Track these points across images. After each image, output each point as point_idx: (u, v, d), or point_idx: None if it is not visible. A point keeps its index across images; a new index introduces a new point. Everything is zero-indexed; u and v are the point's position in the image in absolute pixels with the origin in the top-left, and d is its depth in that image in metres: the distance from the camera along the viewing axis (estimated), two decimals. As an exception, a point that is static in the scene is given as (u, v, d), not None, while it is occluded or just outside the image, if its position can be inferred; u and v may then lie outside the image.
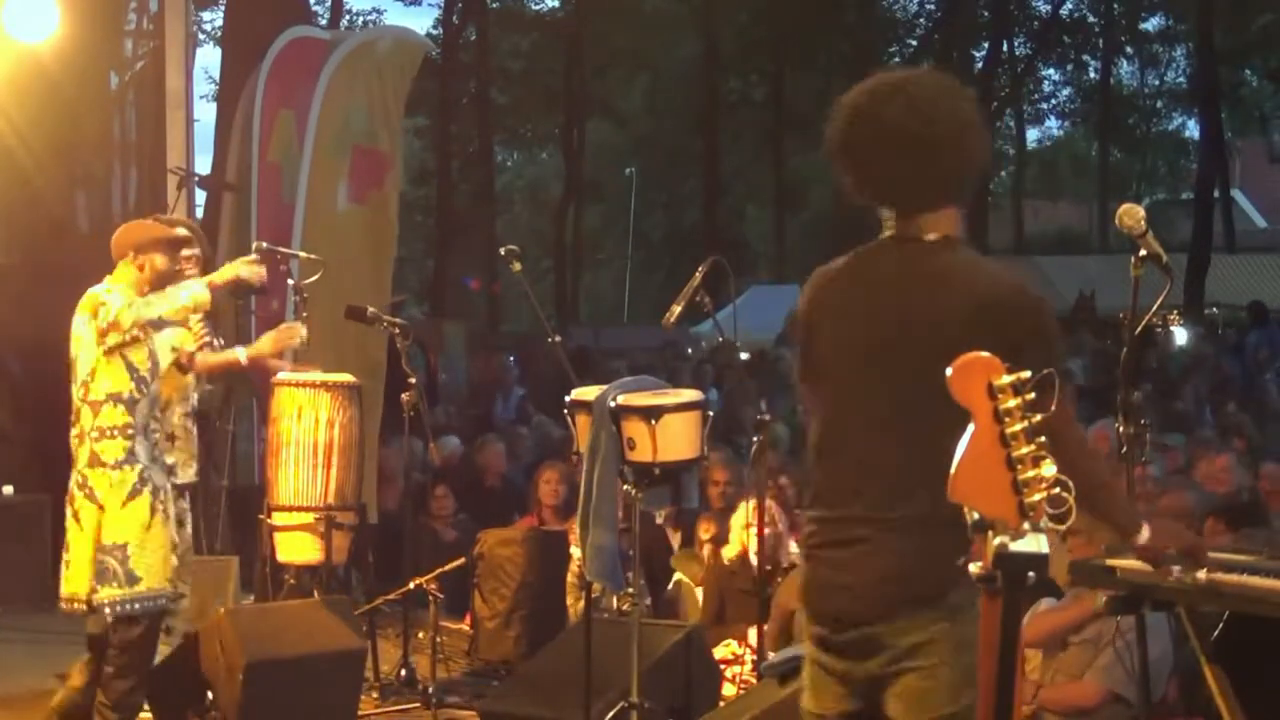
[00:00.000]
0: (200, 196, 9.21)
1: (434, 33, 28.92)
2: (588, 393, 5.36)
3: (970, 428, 2.20)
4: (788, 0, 26.99)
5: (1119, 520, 3.14)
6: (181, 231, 5.73)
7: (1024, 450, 2.16)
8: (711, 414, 5.38)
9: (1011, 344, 2.55)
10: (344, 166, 8.96)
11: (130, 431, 5.19)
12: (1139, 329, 3.91)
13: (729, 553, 6.93)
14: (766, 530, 6.21)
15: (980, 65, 32.21)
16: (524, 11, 33.17)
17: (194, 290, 5.24)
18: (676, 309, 5.82)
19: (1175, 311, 22.61)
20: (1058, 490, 2.17)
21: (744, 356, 15.48)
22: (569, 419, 5.43)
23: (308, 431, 6.41)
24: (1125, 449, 3.79)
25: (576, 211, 32.10)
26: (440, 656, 6.59)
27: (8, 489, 8.51)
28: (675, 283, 8.92)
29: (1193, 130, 37.37)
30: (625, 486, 5.26)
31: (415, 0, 32.01)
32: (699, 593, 7.21)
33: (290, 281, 6.88)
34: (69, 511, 5.27)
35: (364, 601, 6.88)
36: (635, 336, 23.42)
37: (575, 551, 6.90)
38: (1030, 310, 2.91)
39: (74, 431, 5.28)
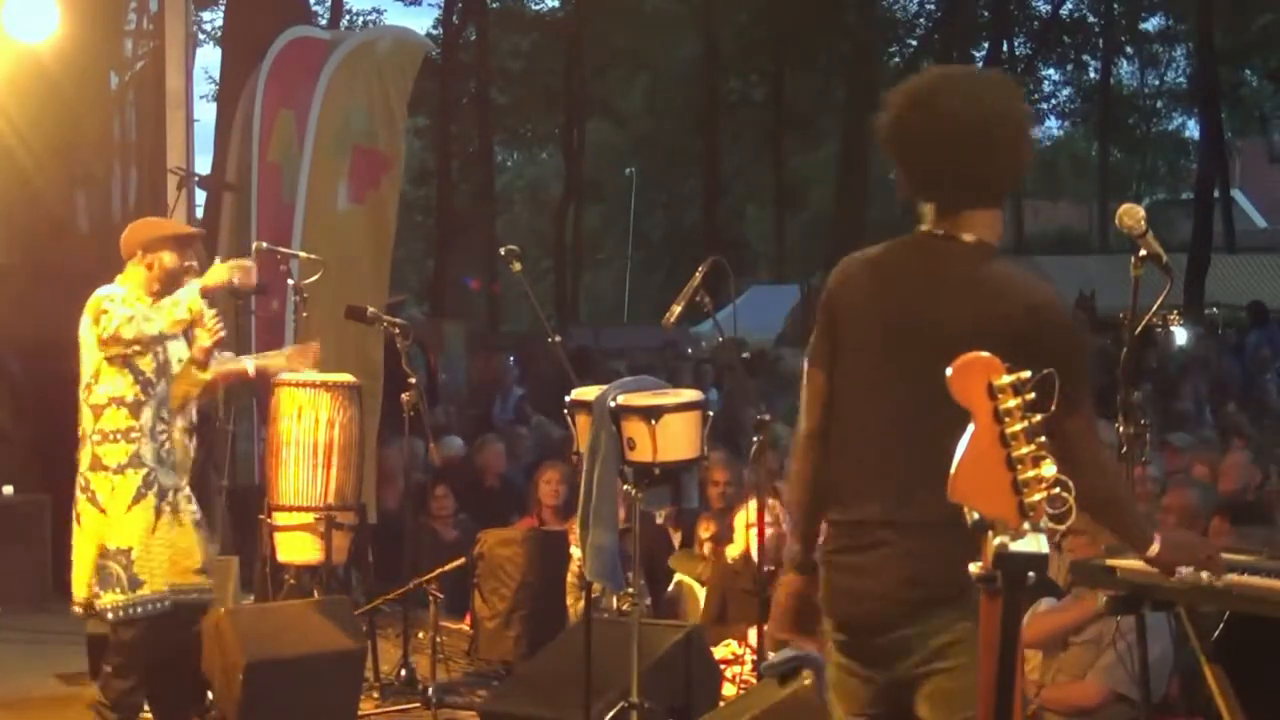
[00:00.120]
0: (200, 196, 9.21)
1: (434, 33, 28.92)
2: (588, 393, 5.36)
3: (970, 428, 2.20)
4: (788, 0, 26.97)
5: (1130, 537, 3.15)
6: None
7: (1024, 450, 2.16)
8: (711, 414, 5.38)
9: (1039, 360, 2.55)
10: (344, 166, 8.96)
11: (134, 435, 5.17)
12: (1139, 329, 3.90)
13: (733, 552, 6.93)
14: (769, 529, 6.21)
15: (980, 65, 32.20)
16: (524, 11, 33.17)
17: (189, 300, 5.21)
18: (676, 309, 5.82)
19: (1175, 311, 22.62)
20: (1058, 490, 2.16)
21: (745, 356, 15.50)
22: (569, 419, 5.43)
23: (308, 431, 6.41)
24: (1125, 449, 3.79)
25: (576, 211, 32.10)
26: (440, 656, 6.58)
27: (8, 489, 8.51)
28: (675, 283, 8.93)
29: (1193, 130, 37.42)
30: (625, 486, 5.26)
31: (415, 0, 32.03)
32: (700, 592, 7.20)
33: (290, 281, 6.89)
34: (74, 513, 5.27)
35: (364, 601, 6.88)
36: (635, 336, 23.44)
37: (575, 551, 6.90)
38: (1063, 328, 2.90)
39: (79, 432, 5.28)
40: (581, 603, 5.98)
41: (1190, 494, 5.84)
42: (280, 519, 6.49)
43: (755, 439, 5.84)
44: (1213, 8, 26.37)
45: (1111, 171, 37.66)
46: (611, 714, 5.18)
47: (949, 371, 2.22)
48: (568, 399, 5.45)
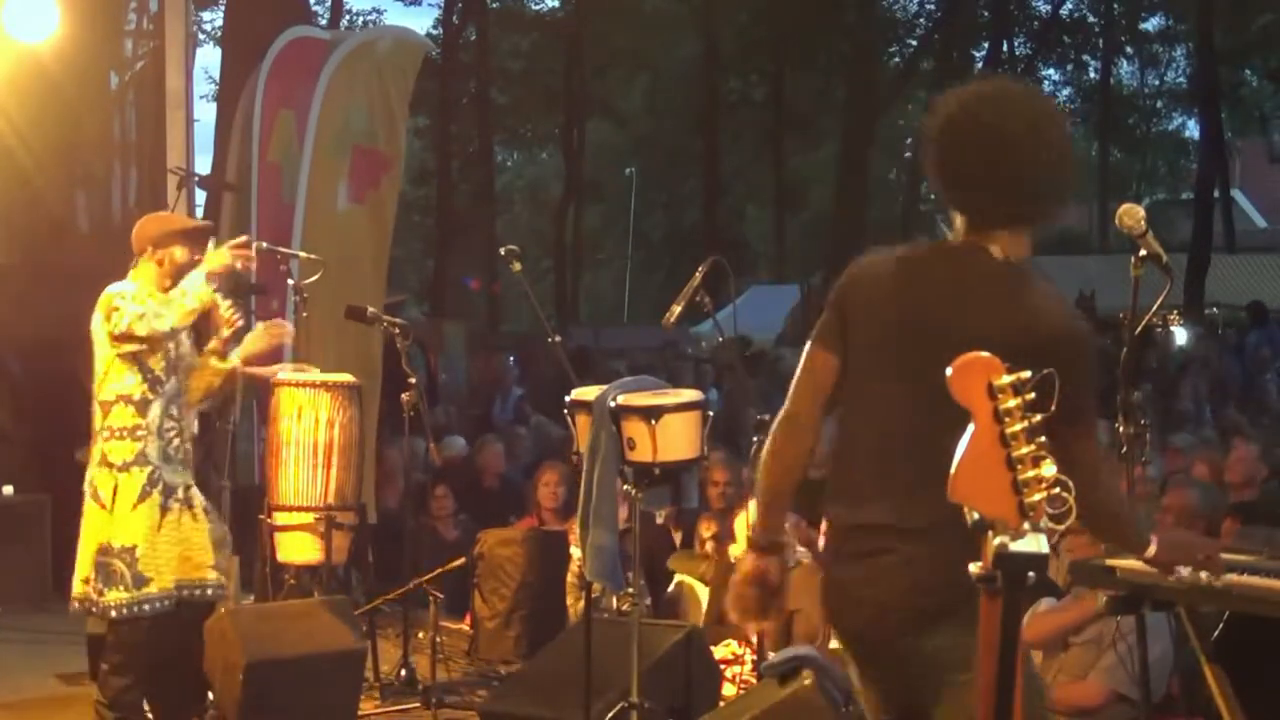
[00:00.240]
0: (200, 196, 9.21)
1: (434, 33, 28.91)
2: (588, 393, 5.36)
3: (970, 428, 2.20)
4: (788, 0, 26.96)
5: (1128, 545, 3.17)
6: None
7: (1024, 450, 2.15)
8: (711, 414, 5.38)
9: (1068, 379, 2.52)
10: (344, 166, 8.96)
11: (140, 433, 5.17)
12: (1139, 329, 3.90)
13: (736, 551, 6.92)
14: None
15: (980, 65, 32.20)
16: (524, 11, 33.16)
17: (196, 291, 5.22)
18: (676, 309, 5.82)
19: (1175, 311, 22.61)
20: (1058, 490, 2.16)
21: (749, 353, 15.52)
22: (569, 419, 5.42)
23: (308, 431, 6.41)
24: (1125, 449, 3.79)
25: (576, 211, 32.09)
26: (440, 656, 6.58)
27: (8, 489, 8.52)
28: (675, 283, 8.93)
29: (1193, 130, 37.41)
30: (625, 486, 5.26)
31: (415, 0, 32.03)
32: (700, 592, 7.20)
33: (290, 281, 6.88)
34: (83, 511, 5.26)
35: (364, 601, 6.88)
36: (635, 336, 23.45)
37: (575, 551, 6.90)
38: (1086, 351, 2.90)
39: (91, 429, 5.28)
40: (581, 603, 5.98)
41: (1190, 494, 5.83)
42: (280, 519, 6.49)
43: (755, 439, 5.84)
44: (1213, 8, 26.36)
45: (1111, 171, 37.64)
46: (611, 714, 5.18)
47: (949, 371, 2.22)
48: (568, 399, 5.45)
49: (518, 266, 6.47)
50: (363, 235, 9.04)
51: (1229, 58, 30.23)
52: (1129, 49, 36.93)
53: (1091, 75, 35.87)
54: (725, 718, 5.27)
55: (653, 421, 5.07)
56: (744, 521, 6.84)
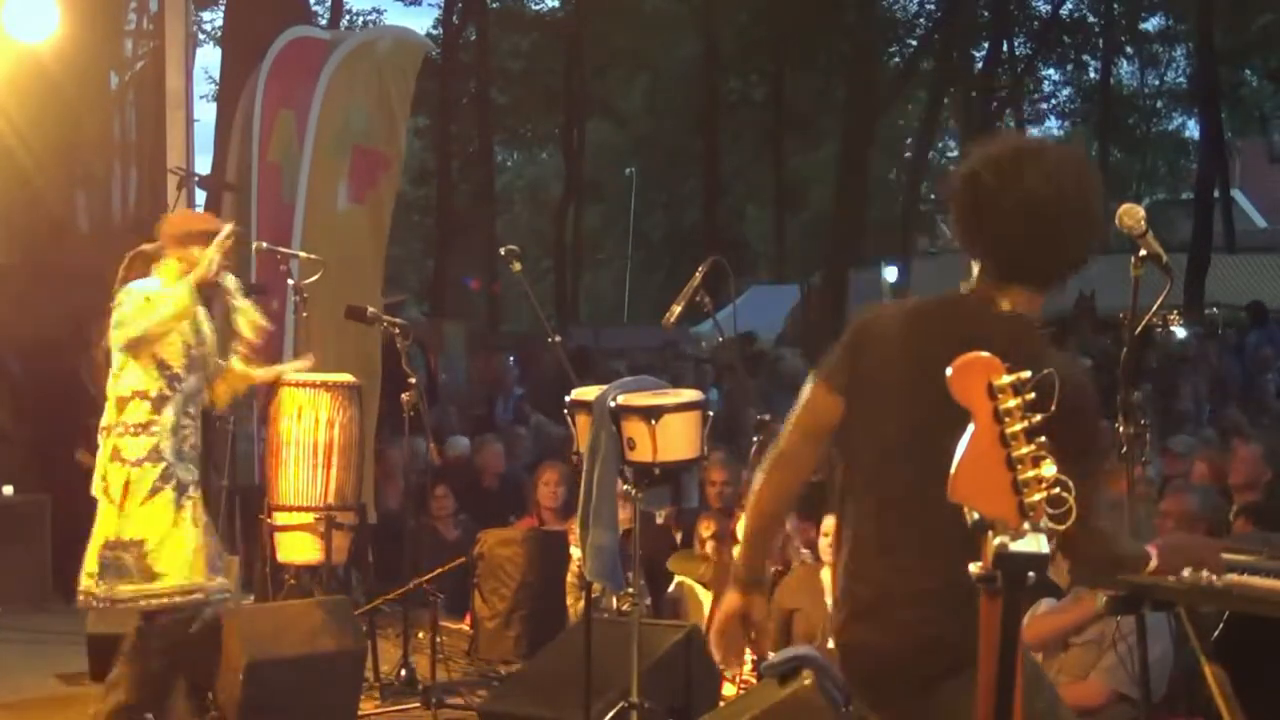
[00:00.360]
0: (200, 196, 9.21)
1: (434, 33, 28.89)
2: (588, 393, 5.36)
3: (970, 428, 2.20)
4: (788, 0, 26.96)
5: (1131, 570, 3.18)
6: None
7: (1024, 450, 2.16)
8: (711, 414, 5.38)
9: (1074, 433, 2.55)
10: (344, 166, 8.96)
11: (154, 429, 5.15)
12: (1139, 329, 3.90)
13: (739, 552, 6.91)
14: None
15: (980, 65, 32.21)
16: (524, 11, 33.14)
17: (176, 296, 5.20)
18: (676, 309, 5.82)
19: (1175, 311, 22.61)
20: (1057, 490, 2.16)
21: (756, 350, 15.52)
22: (569, 419, 5.43)
23: (308, 431, 6.41)
24: (1125, 449, 3.79)
25: (576, 211, 32.09)
26: (440, 656, 6.59)
27: (8, 489, 8.52)
28: (675, 283, 8.93)
29: (1193, 130, 37.39)
30: (625, 486, 5.26)
31: (415, 0, 32.02)
32: (700, 593, 7.20)
33: (290, 281, 6.88)
34: (99, 503, 5.24)
35: (364, 601, 6.88)
36: (635, 336, 23.44)
37: (575, 551, 6.90)
38: (1094, 410, 2.89)
39: (101, 423, 5.26)
40: (581, 603, 5.98)
41: (1189, 499, 5.84)
42: (280, 519, 6.50)
43: (755, 439, 5.84)
44: (1213, 8, 26.35)
45: (1111, 171, 37.59)
46: (611, 714, 5.19)
47: (948, 372, 2.22)
48: (568, 399, 5.45)
49: (518, 266, 6.46)
50: (363, 235, 9.05)
51: (1229, 58, 30.22)
52: (1129, 49, 36.91)
53: (1091, 75, 35.87)
54: (725, 718, 5.27)
55: (653, 421, 5.07)
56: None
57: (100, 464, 5.23)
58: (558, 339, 6.46)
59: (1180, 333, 20.78)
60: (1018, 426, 2.16)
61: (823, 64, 29.46)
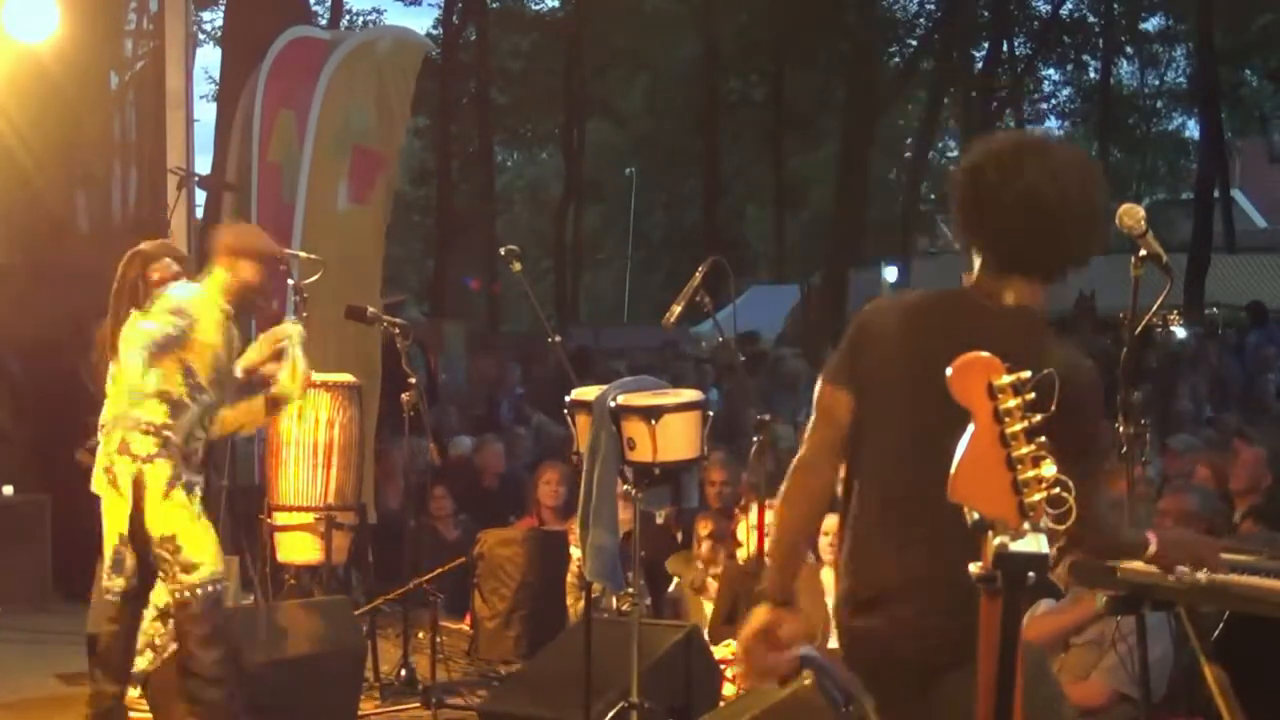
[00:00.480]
0: (200, 196, 9.22)
1: (434, 33, 28.89)
2: (588, 393, 5.36)
3: (970, 428, 2.20)
4: (788, 0, 26.96)
5: (1130, 555, 3.22)
6: (274, 247, 5.59)
7: (1024, 450, 2.16)
8: (711, 414, 5.38)
9: (1078, 425, 2.63)
10: (344, 166, 8.97)
11: (166, 433, 5.10)
12: (1139, 329, 3.90)
13: (744, 552, 6.92)
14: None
15: (980, 65, 32.20)
16: (524, 11, 33.14)
17: (206, 321, 5.18)
18: (676, 309, 5.82)
19: (1175, 311, 22.61)
20: (1058, 490, 2.16)
21: (759, 350, 15.51)
22: (569, 419, 5.43)
23: (308, 431, 6.42)
24: (1125, 449, 3.79)
25: (576, 211, 32.09)
26: (440, 656, 6.59)
27: (8, 489, 8.52)
28: (675, 283, 8.92)
29: (1193, 130, 37.38)
30: (625, 486, 5.26)
31: (415, 0, 32.03)
32: (709, 585, 7.20)
33: (290, 281, 6.88)
34: (103, 494, 5.20)
35: (364, 601, 6.88)
36: (635, 336, 23.44)
37: (575, 551, 6.90)
38: (1098, 401, 2.92)
39: (101, 418, 5.21)
40: (581, 603, 5.98)
41: (1188, 498, 5.83)
42: (280, 519, 6.50)
43: (755, 439, 5.84)
44: (1213, 8, 26.35)
45: (1111, 171, 37.45)
46: (611, 714, 5.19)
47: (949, 371, 2.22)
48: (568, 399, 5.45)
49: (518, 266, 6.46)
50: (363, 235, 9.05)
51: (1229, 58, 30.22)
52: (1129, 49, 36.91)
53: (1091, 75, 35.87)
54: (725, 718, 5.27)
55: (653, 421, 5.07)
56: (753, 521, 6.85)
57: (105, 457, 5.17)
58: (558, 339, 6.46)
59: (1180, 333, 20.79)
60: (1018, 426, 2.16)
61: (823, 64, 29.48)
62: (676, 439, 5.13)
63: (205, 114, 17.18)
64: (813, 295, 25.98)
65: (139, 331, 5.14)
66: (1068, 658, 5.13)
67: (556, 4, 32.95)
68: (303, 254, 7.19)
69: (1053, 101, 37.49)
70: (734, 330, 6.97)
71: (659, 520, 8.06)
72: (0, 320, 8.83)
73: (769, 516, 6.11)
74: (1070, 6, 33.45)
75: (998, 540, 2.16)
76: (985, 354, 2.21)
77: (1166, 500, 5.81)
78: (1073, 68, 35.82)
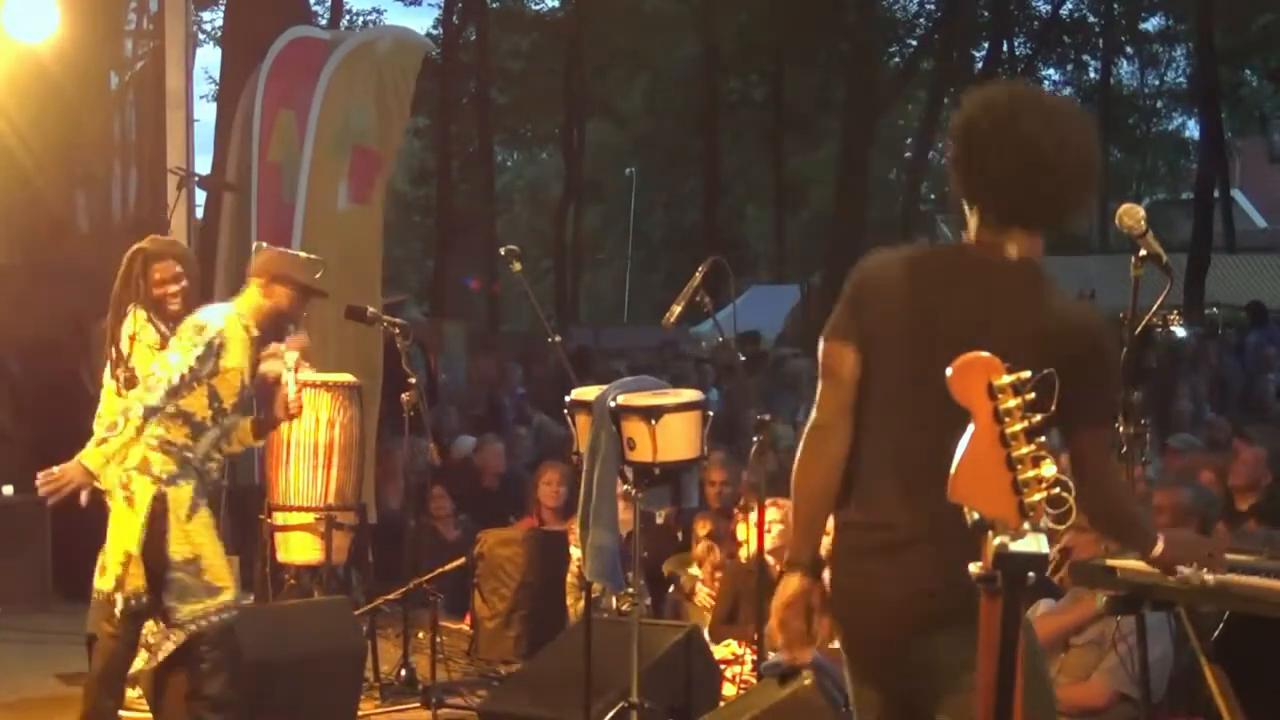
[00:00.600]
0: (200, 196, 9.22)
1: (434, 33, 28.89)
2: (588, 393, 5.36)
3: (970, 428, 2.20)
4: (788, 0, 26.96)
5: (1135, 543, 3.17)
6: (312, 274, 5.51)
7: (1024, 450, 2.16)
8: (711, 414, 5.38)
9: (1088, 379, 2.65)
10: (344, 166, 8.97)
11: (187, 454, 5.08)
12: (1139, 329, 3.90)
13: (745, 552, 6.92)
14: (780, 528, 6.23)
15: (980, 65, 32.18)
16: (524, 11, 33.14)
17: (231, 347, 5.16)
18: (676, 309, 5.82)
19: (1175, 311, 22.61)
20: (1058, 490, 2.17)
21: (760, 350, 15.52)
22: (569, 419, 5.43)
23: (308, 432, 6.42)
24: (1125, 449, 3.79)
25: (576, 211, 32.08)
26: (440, 656, 6.59)
27: (8, 489, 8.51)
28: (675, 283, 8.93)
29: (1193, 130, 37.40)
30: (625, 486, 5.26)
31: (415, 0, 32.03)
32: (698, 598, 7.20)
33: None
34: (113, 505, 5.16)
35: (364, 601, 6.88)
36: (635, 336, 23.43)
37: (575, 551, 6.90)
38: (1113, 353, 2.94)
39: (106, 421, 5.16)
40: (581, 603, 5.98)
41: (1183, 493, 5.84)
42: (280, 519, 6.50)
43: (755, 439, 5.84)
44: (1213, 8, 26.34)
45: (1111, 171, 37.60)
46: (611, 714, 5.19)
47: (949, 371, 2.22)
48: (568, 399, 5.45)
49: (518, 266, 6.46)
50: (363, 235, 9.05)
51: (1229, 58, 30.22)
52: (1129, 49, 36.93)
53: (1091, 75, 35.88)
54: (725, 718, 5.27)
55: (653, 421, 5.07)
56: (746, 527, 6.85)
57: (120, 471, 5.08)
58: (558, 339, 6.46)
59: (1180, 333, 20.79)
60: (1018, 426, 2.16)
61: (823, 64, 29.47)
62: (676, 439, 5.13)
63: (205, 114, 17.20)
64: (813, 295, 25.96)
65: (164, 363, 5.09)
66: (1068, 658, 5.13)
67: (556, 4, 32.97)
68: (303, 254, 7.19)
69: (1053, 101, 37.42)
70: (734, 330, 6.97)
71: (659, 520, 8.06)
72: (0, 320, 8.83)
73: (770, 515, 6.13)
74: (1070, 6, 33.49)
75: (998, 540, 2.16)
76: (985, 354, 2.21)
77: (1160, 495, 5.82)
78: (1073, 68, 35.82)
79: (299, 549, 6.49)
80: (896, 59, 32.13)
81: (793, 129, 31.62)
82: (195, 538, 5.05)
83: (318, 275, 6.64)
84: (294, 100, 8.85)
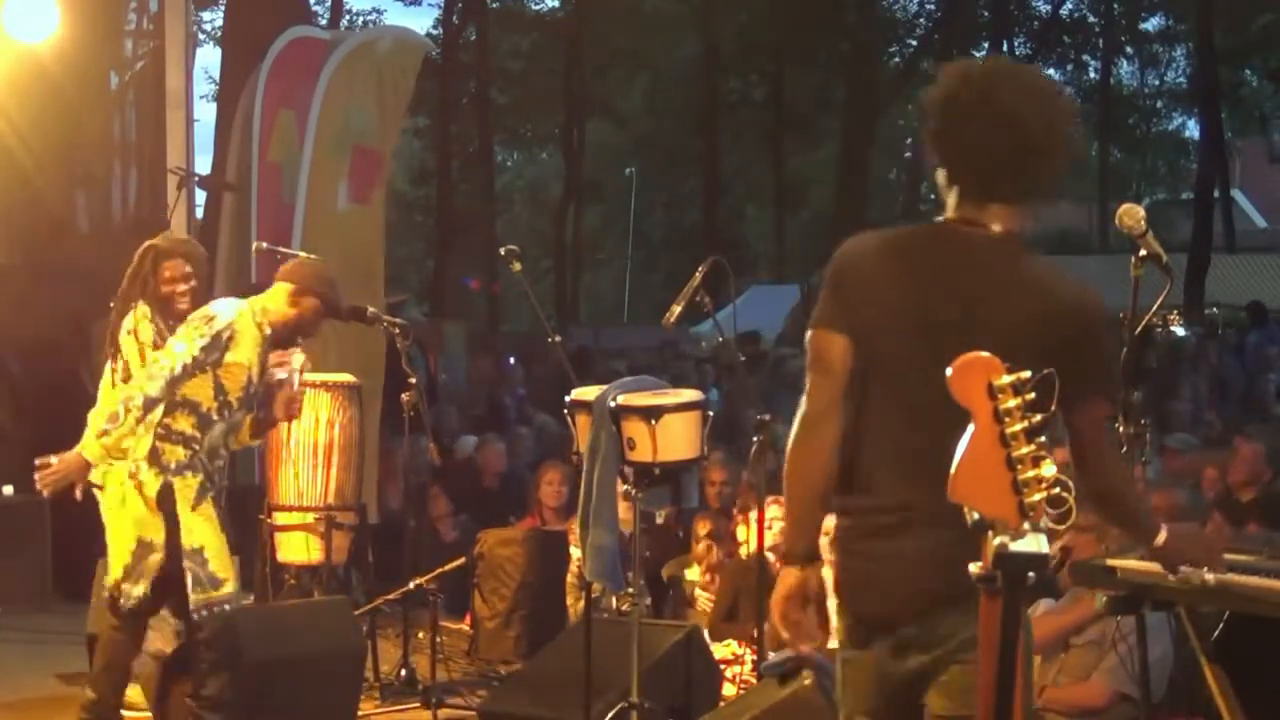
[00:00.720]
0: (200, 196, 9.22)
1: (434, 33, 28.90)
2: (588, 393, 5.36)
3: (970, 428, 2.20)
4: (788, 0, 26.96)
5: (1136, 528, 3.14)
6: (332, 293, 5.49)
7: (1024, 450, 2.16)
8: (711, 414, 5.38)
9: (1082, 356, 2.66)
10: (344, 166, 8.97)
11: (194, 445, 5.07)
12: (1139, 329, 3.90)
13: (745, 552, 6.92)
14: (781, 525, 6.21)
15: (980, 65, 32.14)
16: (524, 11, 33.15)
17: (244, 343, 5.14)
18: (676, 309, 5.82)
19: (1175, 311, 22.61)
20: (1058, 490, 2.17)
21: (760, 350, 15.52)
22: (569, 419, 5.43)
23: (308, 432, 6.41)
24: (1125, 449, 3.79)
25: (576, 211, 32.09)
26: (440, 656, 6.58)
27: (8, 489, 8.51)
28: (675, 283, 8.93)
29: (1193, 130, 37.40)
30: (625, 486, 5.26)
31: (415, 0, 32.04)
32: (700, 595, 7.21)
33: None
34: (115, 495, 5.15)
35: (364, 601, 6.88)
36: (635, 336, 23.43)
37: (575, 551, 6.90)
38: (1103, 327, 2.92)
39: (108, 413, 5.14)
40: (581, 603, 5.98)
41: (1178, 494, 5.86)
42: (280, 519, 6.50)
43: (755, 439, 5.84)
44: (1213, 8, 26.35)
45: (1111, 171, 37.62)
46: (611, 714, 5.18)
47: (949, 371, 2.22)
48: (568, 399, 5.45)
49: (518, 266, 6.46)
50: (363, 235, 9.05)
51: (1229, 58, 30.22)
52: (1129, 49, 36.93)
53: (1091, 75, 35.86)
54: (725, 718, 5.27)
55: (653, 421, 5.07)
56: (745, 527, 6.85)
57: (128, 463, 5.07)
58: (558, 339, 6.46)
59: (1180, 333, 20.79)
60: (1018, 426, 2.16)
61: (823, 64, 29.48)
62: (676, 439, 5.13)
63: (205, 114, 17.21)
64: (813, 295, 25.92)
65: (168, 352, 5.08)
66: (1068, 658, 5.13)
67: (556, 4, 32.98)
68: (303, 254, 7.19)
69: (1053, 101, 37.42)
70: (734, 330, 6.97)
71: (659, 520, 8.06)
72: (0, 320, 8.82)
73: (771, 512, 6.13)
74: (1070, 6, 33.50)
75: (998, 540, 2.16)
76: (985, 354, 2.21)
77: (1156, 497, 5.83)
78: (1073, 68, 35.78)
79: (299, 549, 6.49)
80: (896, 59, 32.14)
81: (793, 129, 31.63)
82: (200, 528, 5.05)
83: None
84: (294, 100, 8.85)
